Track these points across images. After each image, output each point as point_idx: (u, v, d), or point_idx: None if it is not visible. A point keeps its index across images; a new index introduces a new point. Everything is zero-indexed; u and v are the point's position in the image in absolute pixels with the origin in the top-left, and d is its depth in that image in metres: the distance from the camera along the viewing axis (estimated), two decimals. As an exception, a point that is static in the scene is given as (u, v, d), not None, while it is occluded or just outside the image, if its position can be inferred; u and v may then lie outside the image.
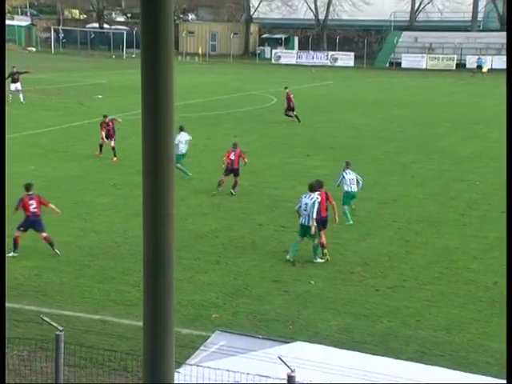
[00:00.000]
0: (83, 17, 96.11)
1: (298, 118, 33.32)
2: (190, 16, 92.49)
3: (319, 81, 55.73)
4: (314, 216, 14.31)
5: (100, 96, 41.47)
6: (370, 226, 17.33)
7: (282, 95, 39.41)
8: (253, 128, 31.49)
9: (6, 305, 11.71)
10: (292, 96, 33.98)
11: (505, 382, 7.02)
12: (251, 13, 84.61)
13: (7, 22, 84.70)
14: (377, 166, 24.48)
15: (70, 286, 13.02)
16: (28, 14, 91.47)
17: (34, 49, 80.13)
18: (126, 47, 75.86)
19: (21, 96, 36.74)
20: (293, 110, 33.77)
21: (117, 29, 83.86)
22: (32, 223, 14.65)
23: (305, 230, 14.54)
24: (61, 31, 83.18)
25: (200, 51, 74.38)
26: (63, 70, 57.77)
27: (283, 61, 73.52)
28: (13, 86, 36.27)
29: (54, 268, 13.89)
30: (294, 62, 73.33)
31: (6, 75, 35.13)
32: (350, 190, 17.50)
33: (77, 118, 29.50)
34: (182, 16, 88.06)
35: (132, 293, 12.58)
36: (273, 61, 74.10)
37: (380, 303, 12.64)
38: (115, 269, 13.92)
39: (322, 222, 14.71)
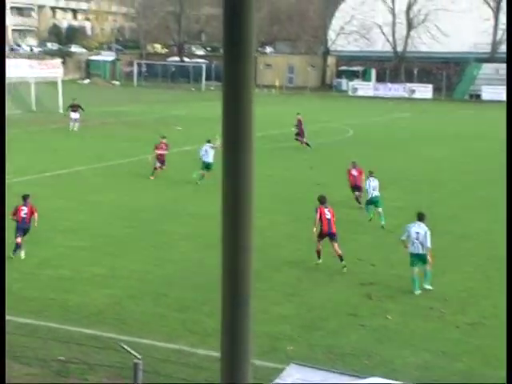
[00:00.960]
0: (165, 51, 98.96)
1: (308, 144, 34.52)
2: (268, 49, 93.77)
3: (397, 112, 55.29)
4: (429, 245, 14.77)
5: (179, 128, 42.34)
6: (448, 261, 16.94)
7: (359, 128, 39.32)
8: (329, 159, 31.44)
9: (87, 331, 12.04)
10: (302, 122, 35.03)
11: None
12: (328, 45, 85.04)
13: (95, 57, 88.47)
14: (456, 199, 23.99)
15: (148, 314, 13.22)
16: (113, 49, 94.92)
17: (117, 82, 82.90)
18: (205, 80, 77.45)
19: (76, 125, 40.23)
20: (302, 135, 34.82)
21: (196, 62, 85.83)
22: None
23: (418, 258, 14.77)
24: (143, 65, 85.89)
25: (277, 83, 75.11)
26: (144, 102, 59.39)
27: (360, 93, 73.37)
28: (72, 115, 40.40)
29: (132, 296, 14.16)
30: (371, 93, 73.08)
31: (68, 105, 41.21)
32: (372, 195, 20.32)
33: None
34: (259, 49, 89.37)
35: (207, 323, 12.67)
36: (350, 93, 74.06)
37: (460, 340, 12.30)
38: (191, 298, 14.07)
39: (333, 235, 16.11)
